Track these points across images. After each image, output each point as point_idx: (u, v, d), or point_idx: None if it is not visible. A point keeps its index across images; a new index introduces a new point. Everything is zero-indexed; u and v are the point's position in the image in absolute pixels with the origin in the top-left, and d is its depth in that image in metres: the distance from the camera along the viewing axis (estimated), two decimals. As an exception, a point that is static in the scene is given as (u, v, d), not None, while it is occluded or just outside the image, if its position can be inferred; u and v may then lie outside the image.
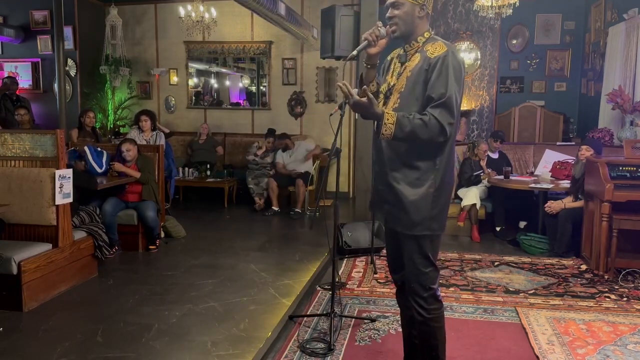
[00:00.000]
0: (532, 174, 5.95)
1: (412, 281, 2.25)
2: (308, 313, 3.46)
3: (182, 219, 5.68)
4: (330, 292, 3.30)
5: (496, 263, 4.68)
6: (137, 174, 4.90)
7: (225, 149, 8.08)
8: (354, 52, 2.30)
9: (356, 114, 2.38)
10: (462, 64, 2.14)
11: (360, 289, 3.95)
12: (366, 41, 2.22)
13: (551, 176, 5.67)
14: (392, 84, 2.26)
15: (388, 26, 2.23)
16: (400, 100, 2.19)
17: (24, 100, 7.36)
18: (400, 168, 2.19)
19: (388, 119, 2.04)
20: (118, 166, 4.86)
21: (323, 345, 2.97)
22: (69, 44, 7.69)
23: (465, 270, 4.44)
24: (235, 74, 9.33)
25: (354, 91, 2.08)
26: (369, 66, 2.31)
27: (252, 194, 6.99)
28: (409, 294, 2.29)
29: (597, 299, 3.80)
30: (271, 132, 7.26)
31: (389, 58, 2.40)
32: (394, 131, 2.05)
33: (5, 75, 7.95)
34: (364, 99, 2.05)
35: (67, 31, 7.55)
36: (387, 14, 2.23)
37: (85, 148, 4.95)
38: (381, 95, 2.30)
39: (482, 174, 5.75)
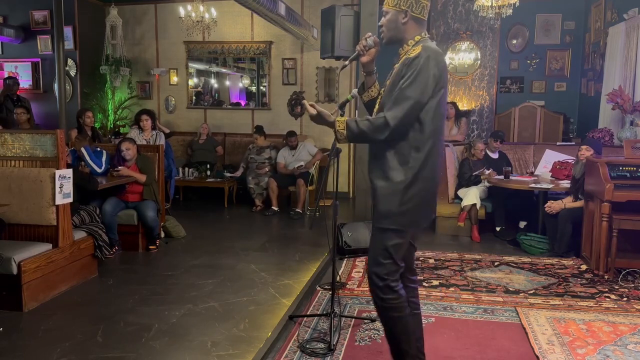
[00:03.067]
0: (532, 174, 5.95)
1: (371, 267, 2.36)
2: (308, 313, 3.46)
3: (182, 219, 5.69)
4: (330, 292, 3.30)
5: (496, 263, 4.68)
6: (143, 177, 4.90)
7: (225, 149, 8.08)
8: (346, 63, 2.47)
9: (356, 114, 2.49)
10: (435, 62, 2.14)
11: (360, 289, 3.94)
12: (356, 52, 2.38)
13: (551, 176, 5.67)
14: (385, 88, 2.36)
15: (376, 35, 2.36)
16: (381, 102, 2.32)
17: (25, 101, 7.36)
18: (376, 164, 2.31)
19: (339, 126, 2.24)
20: (124, 171, 4.86)
21: (323, 345, 2.97)
22: (69, 44, 7.69)
23: (465, 270, 4.44)
24: (235, 74, 9.34)
25: (310, 108, 2.29)
26: (365, 73, 2.44)
27: (252, 194, 6.99)
28: (369, 281, 2.39)
29: (597, 299, 3.80)
30: (259, 129, 7.34)
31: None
32: (347, 134, 2.22)
33: (6, 75, 7.95)
34: (314, 112, 2.26)
35: (67, 31, 7.55)
36: (379, 23, 2.36)
37: (82, 149, 4.95)
38: (378, 100, 2.40)
39: (482, 173, 5.72)
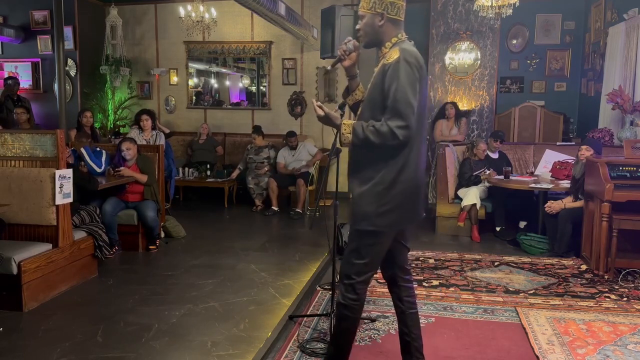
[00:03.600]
0: (532, 174, 5.95)
1: (342, 265, 2.39)
2: (308, 313, 3.46)
3: (182, 219, 5.69)
4: (330, 292, 3.30)
5: (496, 263, 4.68)
6: (144, 178, 4.90)
7: (225, 149, 8.08)
8: (329, 68, 2.52)
9: (353, 114, 2.53)
10: (416, 66, 2.16)
11: (360, 289, 3.94)
12: (337, 57, 2.42)
13: (551, 176, 5.67)
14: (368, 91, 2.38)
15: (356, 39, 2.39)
16: (362, 106, 2.36)
17: (25, 101, 7.36)
18: (354, 166, 2.32)
19: (345, 129, 2.23)
20: (125, 171, 4.86)
21: (323, 345, 2.97)
22: (69, 44, 7.68)
23: (465, 270, 4.44)
24: (235, 74, 9.34)
25: (318, 109, 2.29)
26: (349, 77, 2.48)
27: (252, 194, 6.99)
28: (339, 276, 2.43)
29: (597, 299, 3.80)
30: (257, 129, 7.33)
31: None
32: (352, 139, 2.22)
33: (5, 75, 7.95)
34: (322, 113, 2.27)
35: (67, 31, 7.54)
36: (356, 27, 2.38)
37: (82, 149, 4.96)
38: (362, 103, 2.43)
39: (483, 173, 5.72)
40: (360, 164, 2.28)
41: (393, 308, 3.50)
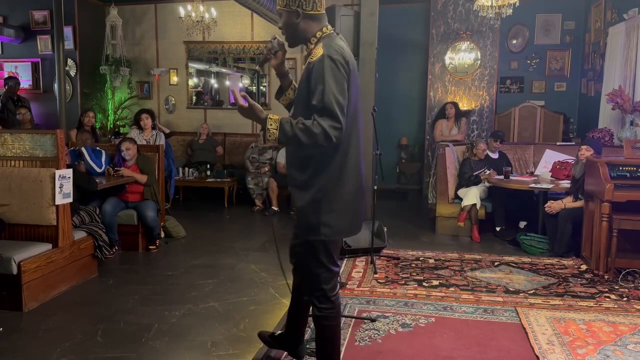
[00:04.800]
0: (532, 174, 5.95)
1: (307, 278, 2.33)
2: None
3: (182, 219, 5.69)
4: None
5: (496, 263, 4.68)
6: (144, 178, 4.90)
7: (225, 149, 8.09)
8: (257, 67, 2.50)
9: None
10: (341, 63, 2.06)
11: (360, 289, 3.94)
12: (264, 56, 2.33)
13: (551, 176, 5.67)
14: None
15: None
16: (294, 106, 2.29)
17: (25, 100, 7.37)
18: (293, 171, 2.23)
19: (271, 124, 2.07)
20: (125, 171, 4.86)
21: (323, 345, 2.96)
22: (69, 44, 7.69)
23: (465, 270, 4.44)
24: (235, 74, 9.33)
25: (241, 99, 2.13)
26: (279, 76, 2.41)
27: (252, 194, 6.99)
28: (305, 292, 2.39)
29: (597, 299, 3.80)
30: None
31: None
32: (278, 135, 2.07)
33: (5, 75, 7.95)
34: (245, 105, 2.10)
35: (67, 31, 7.55)
36: (279, 25, 2.30)
37: (83, 149, 4.96)
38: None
39: (483, 173, 5.72)
40: (297, 170, 2.19)
41: (393, 308, 3.53)
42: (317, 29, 2.20)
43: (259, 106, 2.15)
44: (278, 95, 2.46)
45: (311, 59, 2.13)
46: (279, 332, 2.81)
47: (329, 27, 2.23)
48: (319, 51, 2.10)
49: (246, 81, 9.34)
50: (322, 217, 2.15)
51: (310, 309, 2.42)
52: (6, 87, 7.28)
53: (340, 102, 2.03)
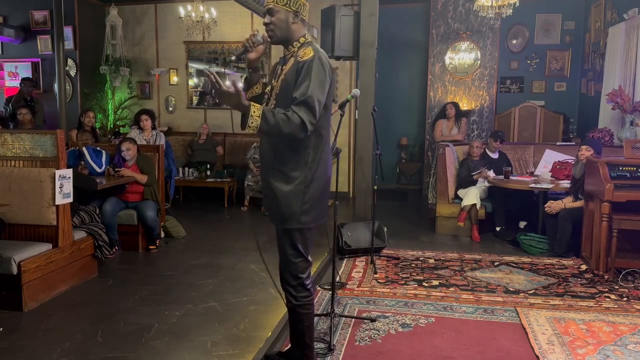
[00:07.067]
0: (532, 174, 5.95)
1: (283, 270, 2.47)
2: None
3: (182, 219, 5.68)
4: (330, 292, 3.30)
5: (496, 263, 4.68)
6: (145, 178, 4.90)
7: (225, 149, 8.08)
8: (233, 58, 2.44)
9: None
10: (327, 69, 2.24)
11: (360, 289, 3.95)
12: (244, 47, 2.37)
13: (551, 176, 5.67)
14: (274, 87, 2.39)
15: (265, 33, 2.36)
16: (276, 102, 2.35)
17: (35, 101, 7.35)
18: (274, 164, 2.34)
19: (254, 112, 2.12)
20: (126, 171, 4.86)
21: (323, 345, 2.97)
22: (69, 44, 7.69)
23: (465, 270, 4.44)
24: (236, 74, 9.33)
25: (226, 82, 2.13)
26: (250, 70, 2.47)
27: (245, 193, 6.93)
28: (281, 282, 2.50)
29: (597, 299, 3.80)
30: None
31: (275, 63, 2.53)
32: (260, 124, 2.13)
33: (5, 75, 7.95)
34: (232, 89, 2.10)
35: (67, 31, 7.55)
36: (264, 20, 2.34)
37: (84, 149, 4.96)
38: (265, 97, 2.44)
39: (481, 172, 5.72)
40: (283, 162, 2.31)
41: (393, 308, 3.53)
42: (302, 33, 2.35)
43: (243, 93, 2.25)
44: (245, 89, 2.51)
45: (300, 58, 2.25)
46: (286, 348, 2.82)
47: (309, 34, 2.40)
48: (308, 52, 2.25)
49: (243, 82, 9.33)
50: (303, 206, 2.32)
51: (285, 301, 2.51)
52: (21, 88, 7.25)
53: (320, 100, 2.20)
